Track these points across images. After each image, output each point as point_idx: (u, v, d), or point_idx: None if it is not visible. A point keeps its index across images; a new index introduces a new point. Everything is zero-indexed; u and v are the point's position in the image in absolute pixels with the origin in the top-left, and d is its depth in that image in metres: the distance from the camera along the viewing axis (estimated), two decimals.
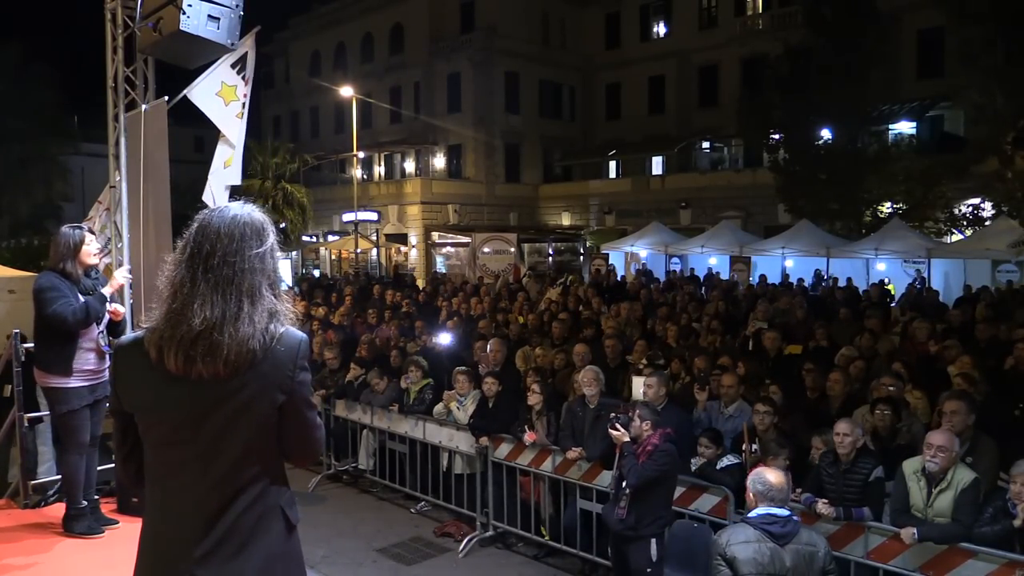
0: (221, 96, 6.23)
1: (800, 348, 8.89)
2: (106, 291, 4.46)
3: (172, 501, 1.96)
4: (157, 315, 1.95)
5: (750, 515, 3.67)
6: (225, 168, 6.43)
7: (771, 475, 3.78)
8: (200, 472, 1.92)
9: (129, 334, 2.07)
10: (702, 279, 18.96)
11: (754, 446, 5.79)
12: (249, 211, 2.03)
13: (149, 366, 1.90)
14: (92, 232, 4.63)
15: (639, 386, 6.29)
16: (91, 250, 4.48)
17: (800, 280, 17.85)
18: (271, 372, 1.92)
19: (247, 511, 1.94)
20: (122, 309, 4.60)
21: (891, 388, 6.32)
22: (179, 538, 1.93)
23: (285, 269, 35.49)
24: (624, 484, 5.05)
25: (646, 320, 10.99)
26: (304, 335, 2.02)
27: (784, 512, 3.63)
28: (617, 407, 5.60)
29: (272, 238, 2.03)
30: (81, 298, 4.35)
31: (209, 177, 6.51)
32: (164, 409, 1.93)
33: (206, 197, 6.47)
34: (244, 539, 1.93)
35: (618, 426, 5.12)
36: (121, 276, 4.59)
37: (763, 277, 17.85)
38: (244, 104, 6.37)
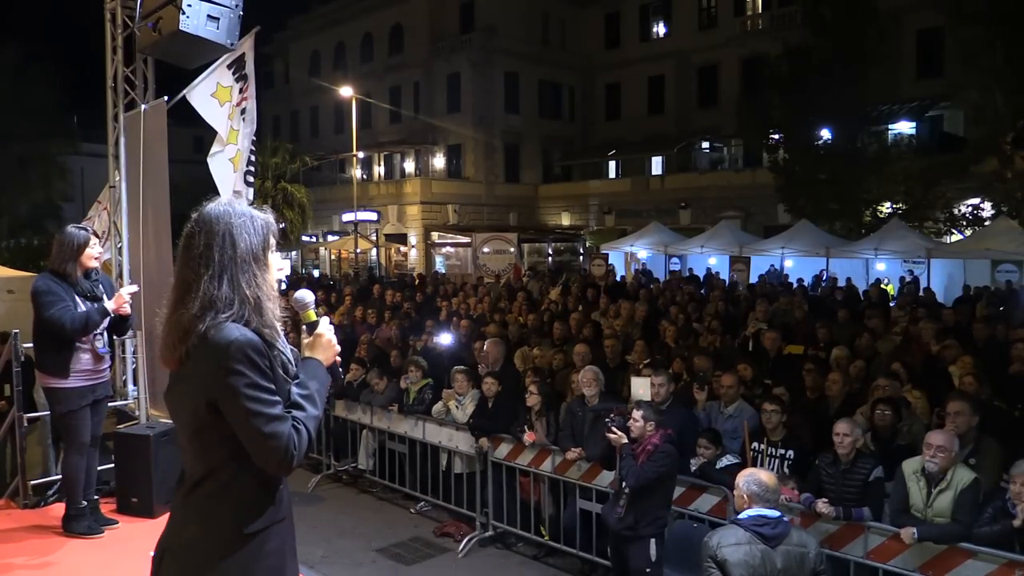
0: (216, 97, 6.22)
1: (801, 348, 8.89)
2: (109, 306, 4.44)
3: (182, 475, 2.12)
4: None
5: (740, 517, 3.66)
6: (234, 172, 6.43)
7: (764, 476, 3.77)
8: (184, 459, 2.07)
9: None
10: (702, 279, 18.97)
11: (755, 446, 5.79)
12: (212, 206, 2.04)
13: None
14: (96, 235, 4.63)
15: (639, 386, 6.27)
16: (93, 253, 4.48)
17: (800, 280, 17.87)
18: (198, 369, 1.91)
19: (201, 505, 1.97)
20: (127, 309, 4.59)
21: (887, 388, 6.32)
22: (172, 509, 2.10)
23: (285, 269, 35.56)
24: (624, 485, 5.06)
25: (649, 320, 10.97)
26: (242, 335, 1.89)
27: (775, 513, 3.62)
28: (613, 407, 5.59)
29: (225, 225, 1.98)
30: (79, 300, 4.34)
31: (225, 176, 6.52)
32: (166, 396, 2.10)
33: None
34: (193, 531, 1.96)
35: (615, 429, 5.11)
36: (126, 293, 4.57)
37: (763, 277, 17.85)
38: (245, 108, 6.36)
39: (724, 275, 19.61)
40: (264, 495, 2.00)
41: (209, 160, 6.37)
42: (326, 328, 2.13)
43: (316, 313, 2.17)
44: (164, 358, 2.00)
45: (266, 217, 2.09)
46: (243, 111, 6.36)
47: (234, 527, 1.95)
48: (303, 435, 1.93)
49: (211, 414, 1.90)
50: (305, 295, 2.21)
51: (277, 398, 1.92)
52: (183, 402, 1.96)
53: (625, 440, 5.08)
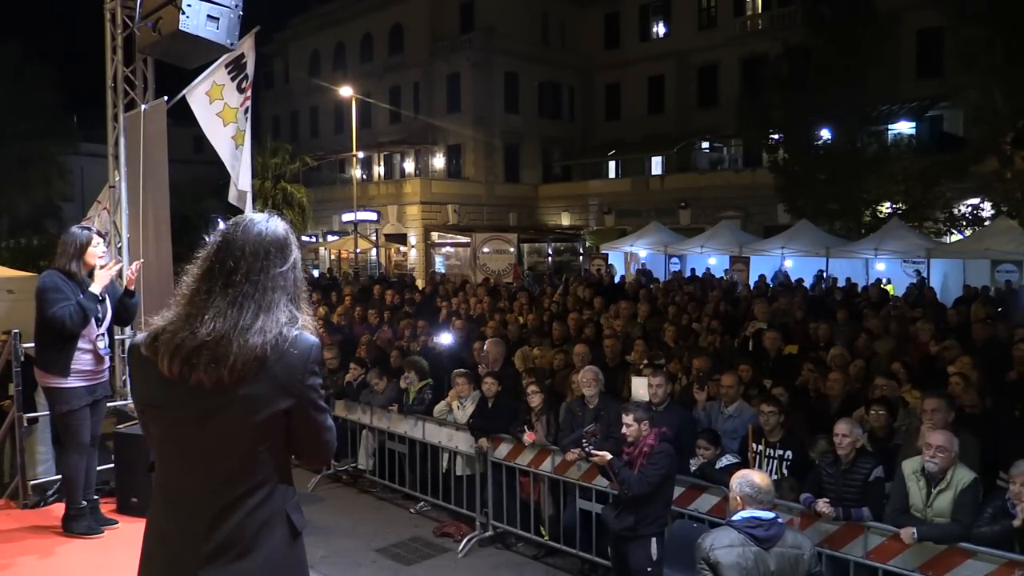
0: (208, 95, 6.23)
1: (796, 348, 8.89)
2: (95, 288, 4.42)
3: (179, 499, 1.97)
4: (168, 316, 1.98)
5: (734, 518, 3.65)
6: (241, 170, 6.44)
7: (757, 477, 3.76)
8: (205, 472, 1.93)
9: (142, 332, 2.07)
10: (700, 279, 18.93)
11: (753, 447, 5.79)
12: (274, 226, 2.06)
13: (155, 367, 1.92)
14: (100, 234, 4.63)
15: (639, 386, 6.28)
16: (97, 252, 4.48)
17: (800, 280, 17.86)
18: (281, 375, 1.91)
19: (251, 514, 1.93)
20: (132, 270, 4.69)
21: (885, 387, 6.33)
22: (186, 537, 1.93)
23: None
24: (627, 492, 5.03)
25: (649, 320, 10.96)
26: (317, 340, 2.01)
27: (769, 515, 3.61)
28: (580, 437, 5.55)
29: (296, 252, 2.07)
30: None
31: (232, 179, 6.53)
32: (167, 407, 1.95)
33: (231, 198, 6.52)
34: (248, 543, 1.92)
35: (593, 451, 5.08)
36: (106, 274, 4.52)
37: (762, 277, 17.86)
38: (247, 109, 6.36)
39: (724, 275, 19.59)
40: (296, 495, 2.10)
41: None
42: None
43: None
44: (218, 380, 1.87)
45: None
46: (246, 111, 6.37)
47: (291, 528, 2.02)
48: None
49: (283, 421, 1.94)
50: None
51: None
52: (249, 415, 1.90)
53: (610, 456, 5.05)
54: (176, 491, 1.98)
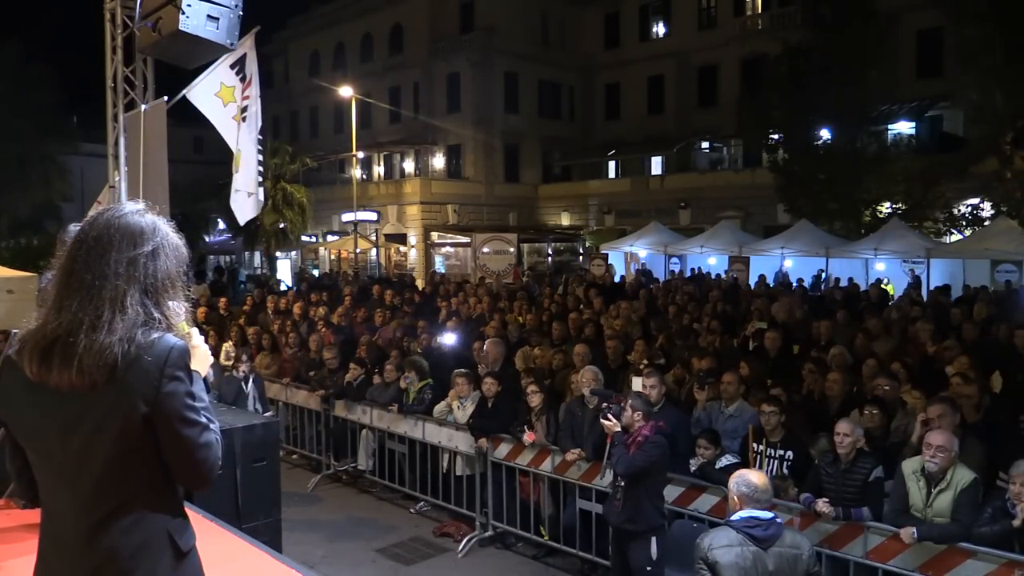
0: (220, 97, 6.23)
1: (796, 348, 8.89)
2: None
3: (53, 521, 1.88)
4: (35, 317, 1.88)
5: (732, 518, 3.65)
6: (235, 172, 6.43)
7: (754, 477, 3.76)
8: (70, 492, 1.81)
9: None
10: (697, 279, 18.94)
11: (754, 447, 5.79)
12: (129, 212, 1.90)
13: (22, 376, 1.82)
14: None
15: (639, 386, 6.29)
16: None
17: (800, 280, 17.87)
18: (133, 382, 1.76)
19: (125, 535, 1.81)
20: None
21: (886, 388, 6.33)
22: (63, 561, 1.84)
23: (284, 269, 35.58)
24: (618, 477, 5.07)
25: (647, 320, 10.98)
26: (179, 343, 1.84)
27: (767, 515, 3.61)
28: (612, 395, 5.61)
29: (154, 242, 1.88)
30: None
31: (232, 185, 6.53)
32: (33, 423, 1.84)
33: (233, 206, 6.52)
34: (124, 567, 1.80)
35: (610, 416, 5.14)
36: None
37: (762, 277, 17.86)
38: (247, 109, 6.36)
39: (724, 275, 19.59)
40: (183, 509, 1.96)
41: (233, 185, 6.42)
42: (198, 340, 2.02)
43: (187, 324, 2.04)
44: (70, 382, 1.76)
45: (180, 241, 1.99)
46: (244, 111, 6.36)
47: (172, 548, 1.87)
48: (219, 448, 1.89)
49: (144, 431, 1.78)
50: (179, 307, 2.04)
51: (206, 407, 1.88)
52: (105, 426, 1.77)
53: (618, 428, 5.11)
54: (51, 512, 1.88)
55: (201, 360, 1.99)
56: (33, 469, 1.91)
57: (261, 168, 6.59)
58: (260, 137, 6.55)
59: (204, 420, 1.85)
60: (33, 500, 1.98)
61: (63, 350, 1.76)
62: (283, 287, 22.70)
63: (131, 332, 1.78)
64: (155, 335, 1.81)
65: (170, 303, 1.90)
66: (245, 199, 6.56)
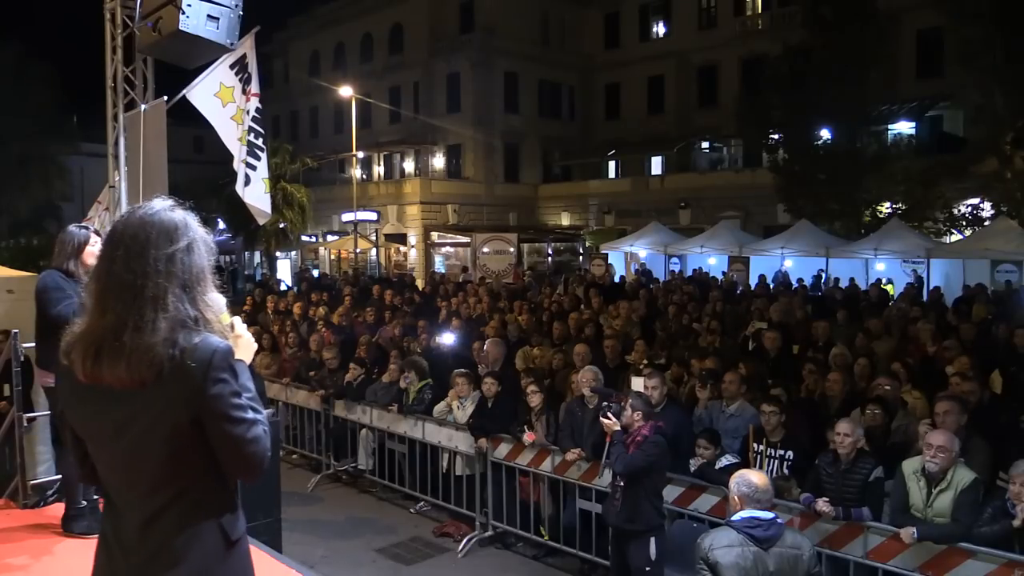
0: (219, 97, 6.23)
1: (796, 349, 8.89)
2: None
3: (113, 509, 1.95)
4: (80, 321, 1.92)
5: (733, 518, 3.65)
6: (250, 170, 6.44)
7: (755, 477, 3.77)
8: (126, 484, 1.90)
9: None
10: (697, 279, 18.93)
11: (754, 447, 5.79)
12: (161, 209, 1.93)
13: (75, 378, 1.87)
14: (97, 233, 4.63)
15: (638, 386, 6.29)
16: (94, 251, 4.47)
17: (800, 280, 17.86)
18: (180, 386, 1.80)
19: (178, 524, 1.87)
20: None
21: (887, 388, 6.33)
22: (122, 544, 1.91)
23: (284, 269, 35.57)
24: (617, 477, 5.07)
25: (647, 320, 10.97)
26: (222, 344, 1.87)
27: (768, 515, 3.61)
28: (612, 393, 5.62)
29: (188, 237, 1.91)
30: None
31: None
32: (89, 422, 1.91)
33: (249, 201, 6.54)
34: (176, 554, 1.87)
35: (610, 415, 5.14)
36: None
37: (762, 277, 17.86)
38: (248, 110, 6.36)
39: (721, 275, 19.59)
40: (235, 500, 2.00)
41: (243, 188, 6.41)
42: (242, 328, 2.07)
43: (228, 315, 2.09)
44: (120, 380, 1.81)
45: (208, 234, 2.02)
46: (248, 111, 6.36)
47: (223, 537, 1.93)
48: (268, 437, 1.92)
49: (193, 431, 1.83)
50: (218, 299, 2.10)
51: (253, 398, 1.91)
52: (155, 427, 1.82)
53: (618, 427, 5.11)
54: (111, 501, 1.96)
55: (245, 349, 2.03)
56: (93, 460, 1.97)
57: (258, 166, 6.58)
58: (263, 134, 6.56)
59: (251, 416, 1.88)
60: (98, 485, 2.06)
61: (111, 351, 1.80)
62: (283, 287, 22.69)
63: (175, 332, 1.82)
64: (198, 339, 1.84)
65: (207, 296, 1.93)
66: (261, 194, 6.59)
